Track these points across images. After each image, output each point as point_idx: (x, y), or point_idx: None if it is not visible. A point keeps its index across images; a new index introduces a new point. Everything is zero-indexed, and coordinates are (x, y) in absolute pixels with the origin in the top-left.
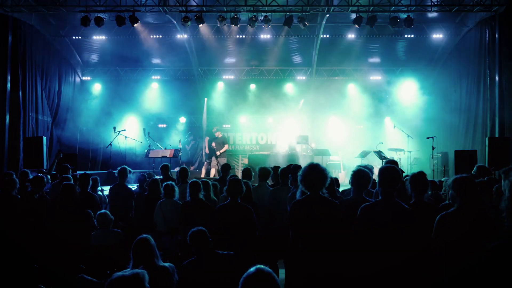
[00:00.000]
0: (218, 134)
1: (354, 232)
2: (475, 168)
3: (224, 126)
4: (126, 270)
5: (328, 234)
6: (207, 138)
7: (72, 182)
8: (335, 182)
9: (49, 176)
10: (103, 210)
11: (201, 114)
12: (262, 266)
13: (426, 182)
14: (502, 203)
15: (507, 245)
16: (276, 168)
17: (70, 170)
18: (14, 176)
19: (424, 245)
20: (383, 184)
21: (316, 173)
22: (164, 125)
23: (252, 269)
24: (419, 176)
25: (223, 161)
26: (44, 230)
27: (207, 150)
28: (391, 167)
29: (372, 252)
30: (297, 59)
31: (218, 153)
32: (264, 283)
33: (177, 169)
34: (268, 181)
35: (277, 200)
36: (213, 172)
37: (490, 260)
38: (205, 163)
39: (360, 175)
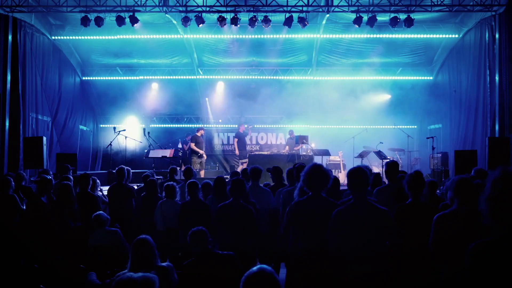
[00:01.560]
0: (202, 133)
1: (331, 236)
2: (472, 172)
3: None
4: (125, 271)
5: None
6: (236, 140)
7: (71, 182)
8: (338, 183)
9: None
10: (98, 212)
11: (201, 114)
12: (264, 266)
13: (422, 182)
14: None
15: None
16: (275, 168)
17: (71, 170)
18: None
19: (417, 244)
20: (353, 187)
21: (319, 174)
22: (164, 125)
23: (254, 268)
24: (416, 176)
25: (198, 161)
26: (45, 230)
27: (237, 152)
28: (359, 169)
29: (350, 254)
30: (297, 59)
31: (202, 152)
32: (266, 283)
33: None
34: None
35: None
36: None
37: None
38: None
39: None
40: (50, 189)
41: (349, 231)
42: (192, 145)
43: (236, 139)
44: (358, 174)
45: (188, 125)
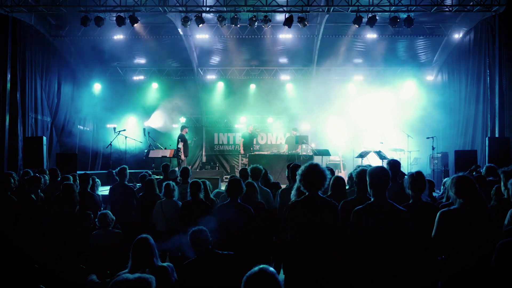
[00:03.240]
0: (186, 131)
1: (349, 235)
2: (484, 168)
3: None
4: (125, 271)
5: (325, 235)
6: (242, 140)
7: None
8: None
9: (46, 176)
10: (104, 210)
11: (201, 115)
12: (265, 266)
13: (424, 182)
14: None
15: None
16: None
17: (59, 172)
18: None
19: (422, 245)
20: (373, 186)
21: (316, 173)
22: (164, 125)
23: (256, 268)
24: (417, 176)
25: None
26: (43, 229)
27: (242, 151)
28: (380, 168)
29: (367, 254)
30: (297, 59)
31: (185, 156)
32: (267, 283)
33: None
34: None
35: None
36: None
37: (500, 257)
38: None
39: (364, 175)
40: (38, 186)
41: (369, 230)
42: (181, 145)
43: (242, 139)
44: (381, 173)
45: (187, 125)
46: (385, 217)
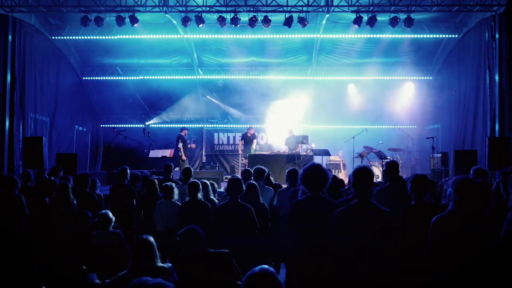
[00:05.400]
0: (185, 132)
1: (334, 237)
2: (471, 171)
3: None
4: (125, 272)
5: (327, 235)
6: (241, 142)
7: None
8: (340, 183)
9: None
10: (104, 210)
11: (200, 114)
12: (266, 266)
13: (427, 184)
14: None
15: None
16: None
17: (62, 171)
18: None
19: (413, 245)
20: (357, 187)
21: (317, 173)
22: (165, 125)
23: (256, 269)
24: (421, 178)
25: (183, 165)
26: (48, 231)
27: (240, 151)
28: (364, 169)
29: (356, 255)
30: (297, 59)
31: (185, 157)
32: (267, 284)
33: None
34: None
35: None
36: None
37: (490, 260)
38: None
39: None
40: (53, 190)
41: (351, 231)
42: (181, 146)
43: (241, 141)
44: (363, 174)
45: (188, 125)
46: (368, 217)
